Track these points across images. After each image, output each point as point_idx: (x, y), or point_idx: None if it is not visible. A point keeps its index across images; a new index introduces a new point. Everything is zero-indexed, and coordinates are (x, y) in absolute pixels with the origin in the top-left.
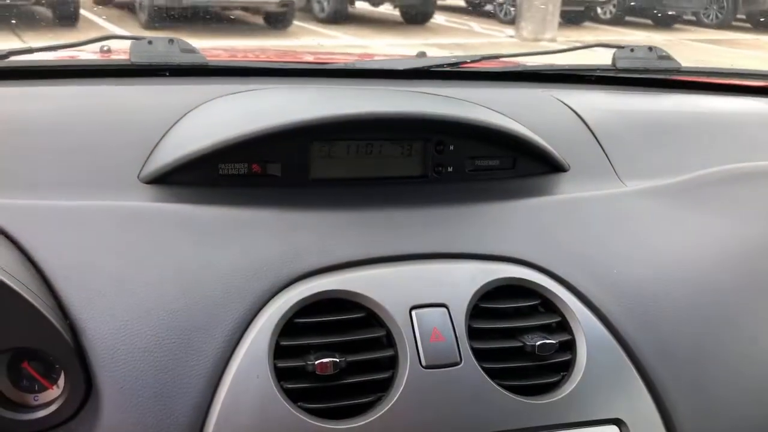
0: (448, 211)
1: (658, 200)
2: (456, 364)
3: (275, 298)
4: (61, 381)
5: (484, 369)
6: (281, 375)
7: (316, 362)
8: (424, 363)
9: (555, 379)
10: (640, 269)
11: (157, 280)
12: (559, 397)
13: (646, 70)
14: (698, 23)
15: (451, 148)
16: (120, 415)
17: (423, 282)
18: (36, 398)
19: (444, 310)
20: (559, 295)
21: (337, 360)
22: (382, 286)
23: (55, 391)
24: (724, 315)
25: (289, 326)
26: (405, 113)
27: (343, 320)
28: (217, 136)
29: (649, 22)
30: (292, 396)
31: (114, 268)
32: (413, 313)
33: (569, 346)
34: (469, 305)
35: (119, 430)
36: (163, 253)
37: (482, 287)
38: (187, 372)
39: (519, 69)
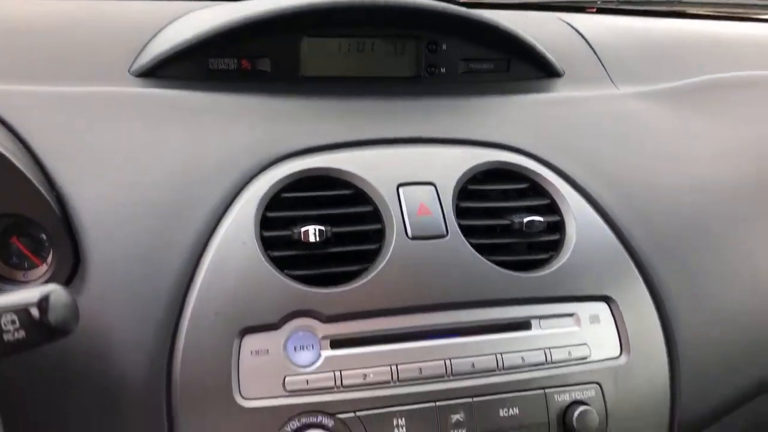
0: (439, 103)
1: (652, 102)
2: (442, 236)
3: (262, 173)
4: (50, 258)
5: (471, 244)
6: (267, 244)
7: (302, 229)
8: (410, 234)
9: (543, 256)
10: (633, 160)
11: (145, 157)
12: (547, 272)
13: (648, 2)
14: None
15: (444, 47)
16: (107, 286)
17: (411, 162)
18: (25, 275)
19: (431, 188)
20: (549, 178)
21: (323, 229)
22: (370, 165)
23: (43, 268)
24: (720, 213)
25: (275, 200)
26: (398, 3)
27: (330, 196)
28: (206, 28)
29: None
30: (279, 263)
31: (103, 147)
32: (400, 190)
33: (558, 227)
34: (456, 184)
35: (107, 301)
36: (152, 134)
37: (471, 169)
38: (174, 240)
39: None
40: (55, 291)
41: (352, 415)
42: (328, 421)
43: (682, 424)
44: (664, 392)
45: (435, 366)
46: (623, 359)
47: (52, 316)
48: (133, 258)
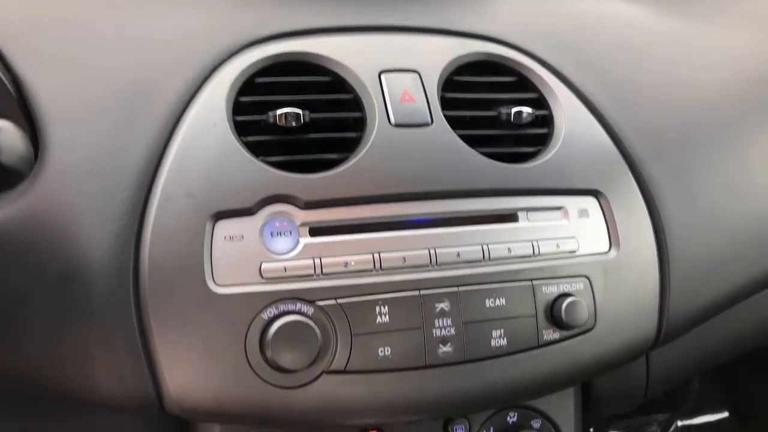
0: None
1: (649, 5)
2: (427, 124)
3: (236, 56)
4: None
5: (457, 134)
6: (241, 129)
7: (278, 112)
8: (393, 121)
9: (531, 150)
10: (626, 59)
11: (109, 41)
12: (535, 164)
13: None
14: None
15: None
16: (69, 168)
17: (394, 50)
18: None
19: (415, 75)
20: (537, 72)
21: (301, 113)
22: (351, 51)
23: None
24: (714, 117)
25: (249, 84)
26: None
27: (308, 82)
28: None
29: None
30: (253, 149)
31: (64, 31)
32: (382, 76)
33: (546, 121)
34: (441, 73)
35: (69, 183)
36: (117, 17)
37: (457, 58)
38: (140, 121)
39: None
40: (5, 129)
41: (332, 302)
42: (308, 309)
43: (670, 323)
44: (654, 289)
45: (419, 255)
46: (612, 254)
47: (4, 156)
48: (96, 140)
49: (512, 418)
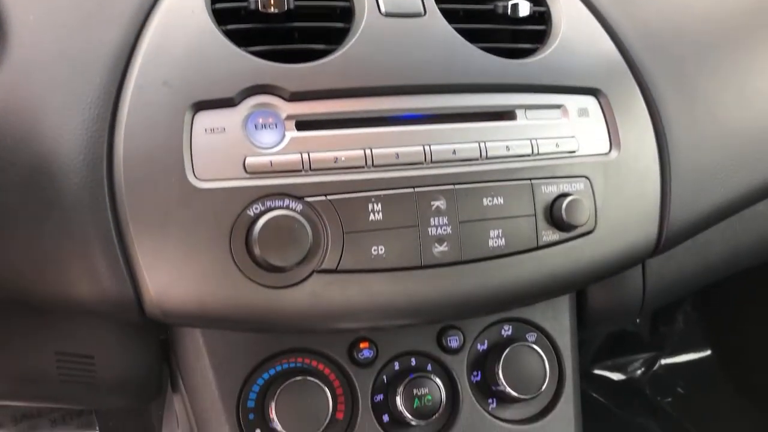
0: None
1: None
2: (419, 14)
3: None
4: None
5: (452, 27)
6: (220, 17)
7: None
8: (383, 11)
9: (529, 46)
10: None
11: None
12: (534, 59)
13: None
14: None
15: None
16: (34, 54)
17: None
18: None
19: None
20: None
21: None
22: None
23: None
24: (719, 28)
25: None
26: None
27: None
28: None
29: None
30: (234, 38)
31: None
32: None
33: (544, 18)
34: None
35: (34, 70)
36: None
37: None
38: (111, 8)
39: None
40: None
41: (322, 198)
42: (296, 205)
43: (671, 228)
44: (655, 193)
45: (413, 152)
46: (613, 155)
47: None
48: (64, 24)
49: (507, 331)
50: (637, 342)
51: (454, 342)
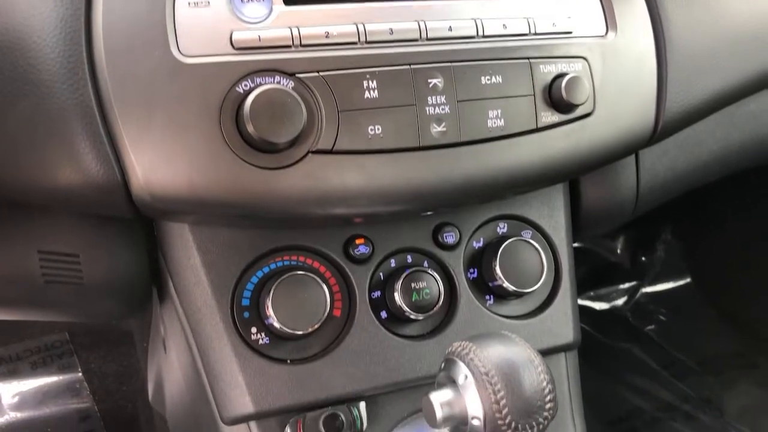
0: None
1: None
2: None
3: None
4: None
5: None
6: None
7: None
8: None
9: None
10: None
11: None
12: None
13: None
14: None
15: None
16: None
17: None
18: None
19: None
20: None
21: None
22: None
23: None
24: None
25: None
26: None
27: None
28: None
29: None
30: None
31: None
32: None
33: None
34: None
35: None
36: None
37: None
38: None
39: None
40: None
41: (315, 74)
42: (287, 81)
43: (667, 114)
44: (651, 77)
45: (407, 28)
46: (610, 37)
47: None
48: None
49: (502, 228)
50: (618, 273)
51: (450, 238)
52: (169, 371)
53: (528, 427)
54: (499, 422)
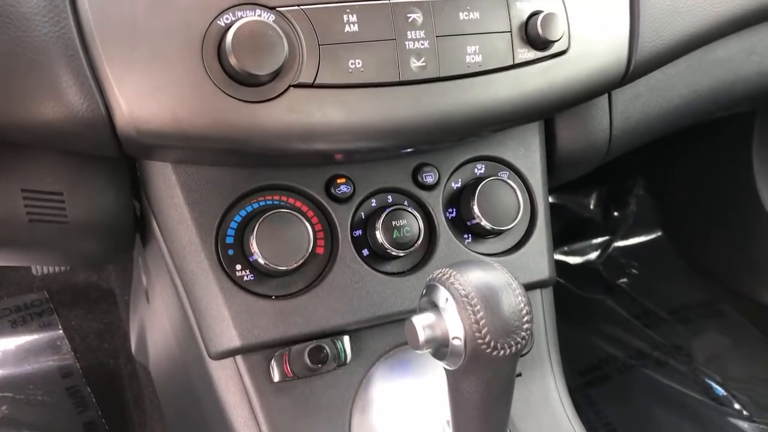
0: None
1: None
2: None
3: None
4: None
5: None
6: None
7: None
8: None
9: None
10: None
11: None
12: None
13: None
14: None
15: None
16: None
17: None
18: None
19: None
20: None
21: None
22: None
23: None
24: None
25: None
26: None
27: None
28: None
29: None
30: None
31: None
32: None
33: None
34: None
35: None
36: None
37: None
38: None
39: None
40: None
41: (295, 8)
42: (268, 15)
43: (639, 54)
44: (624, 16)
45: None
46: None
47: None
48: None
49: (480, 169)
50: (591, 227)
51: (429, 178)
52: (152, 321)
53: (507, 346)
54: (479, 341)
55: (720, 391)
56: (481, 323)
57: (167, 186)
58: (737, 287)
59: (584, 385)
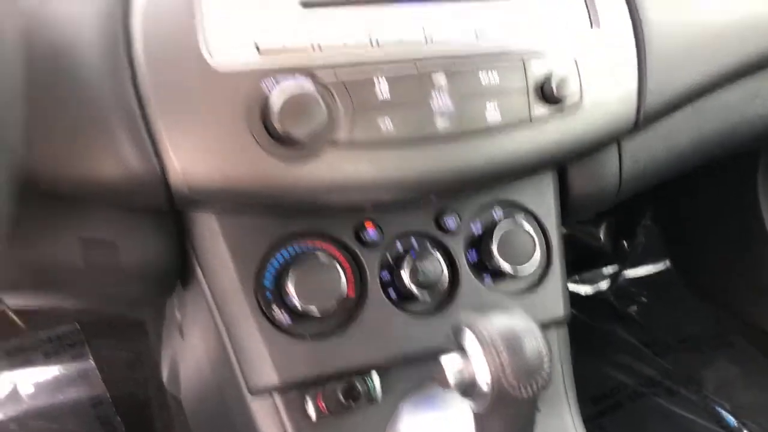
0: None
1: None
2: None
3: None
4: None
5: None
6: None
7: None
8: None
9: None
10: None
11: None
12: None
13: None
14: None
15: None
16: None
17: None
18: None
19: None
20: None
21: None
22: None
23: None
24: None
25: None
26: None
27: None
28: None
29: None
30: None
31: None
32: None
33: None
34: None
35: None
36: None
37: None
38: None
39: None
40: None
41: (332, 76)
42: (308, 82)
43: (648, 103)
44: (632, 69)
45: (414, 32)
46: (594, 32)
47: None
48: None
49: (498, 213)
50: (601, 258)
51: (450, 222)
52: (186, 354)
53: (529, 387)
54: (504, 384)
55: (731, 420)
56: (505, 367)
57: (211, 235)
58: (745, 316)
59: (597, 414)
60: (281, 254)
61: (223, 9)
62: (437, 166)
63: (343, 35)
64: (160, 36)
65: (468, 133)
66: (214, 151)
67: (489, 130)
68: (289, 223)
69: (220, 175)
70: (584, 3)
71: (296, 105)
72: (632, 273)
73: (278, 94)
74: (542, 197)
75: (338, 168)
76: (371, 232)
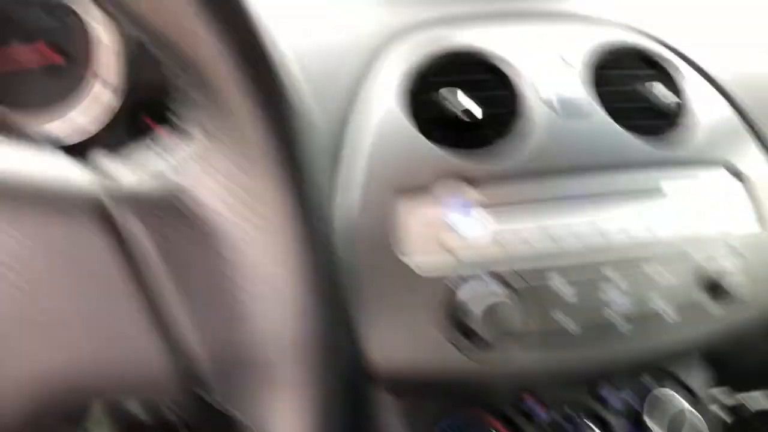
0: None
1: None
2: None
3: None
4: None
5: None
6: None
7: (461, 108)
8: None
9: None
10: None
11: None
12: (676, 137)
13: None
14: None
15: None
16: None
17: (550, 40)
18: None
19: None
20: (677, 64)
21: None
22: (512, 46)
23: None
24: None
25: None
26: None
27: (476, 79)
28: None
29: None
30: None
31: None
32: (535, 71)
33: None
34: (590, 62)
35: None
36: None
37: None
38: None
39: None
40: None
41: (519, 278)
42: (498, 285)
43: None
44: None
45: (588, 229)
46: (760, 232)
47: None
48: None
49: (650, 384)
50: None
51: (609, 395)
52: None
53: None
54: None
55: None
56: None
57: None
58: None
59: None
60: (449, 426)
61: (413, 214)
62: (612, 356)
63: (526, 235)
64: (359, 237)
65: (640, 327)
66: (405, 341)
67: (661, 325)
68: (456, 396)
69: (408, 362)
70: (751, 202)
71: (494, 312)
72: None
73: (475, 303)
74: (699, 371)
75: (510, 357)
76: (530, 403)
